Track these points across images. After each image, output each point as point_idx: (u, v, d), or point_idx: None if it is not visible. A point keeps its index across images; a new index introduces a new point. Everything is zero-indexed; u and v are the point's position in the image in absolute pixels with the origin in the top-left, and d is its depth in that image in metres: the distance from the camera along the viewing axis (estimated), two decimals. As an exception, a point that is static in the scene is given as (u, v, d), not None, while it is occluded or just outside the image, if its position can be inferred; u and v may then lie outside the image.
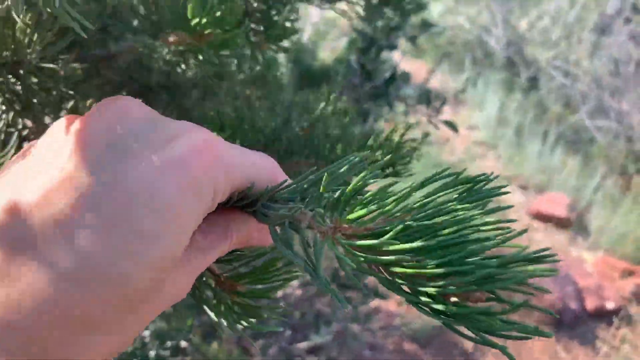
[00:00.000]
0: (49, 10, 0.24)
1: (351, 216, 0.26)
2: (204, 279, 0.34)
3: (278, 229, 0.28)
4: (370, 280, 2.02)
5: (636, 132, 3.89)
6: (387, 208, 0.26)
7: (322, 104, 0.59)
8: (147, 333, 1.48)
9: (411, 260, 0.24)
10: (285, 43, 0.49)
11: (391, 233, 0.24)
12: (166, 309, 0.28)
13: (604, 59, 4.29)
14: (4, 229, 0.22)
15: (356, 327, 2.34)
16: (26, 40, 0.35)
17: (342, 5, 0.77)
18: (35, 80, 0.37)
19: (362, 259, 0.25)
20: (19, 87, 0.38)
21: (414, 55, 4.78)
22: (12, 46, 0.35)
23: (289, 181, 0.30)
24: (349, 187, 0.26)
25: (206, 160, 0.26)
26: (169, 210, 0.24)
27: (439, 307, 0.23)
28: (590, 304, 2.74)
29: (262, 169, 0.30)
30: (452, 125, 1.84)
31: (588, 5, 4.82)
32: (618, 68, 4.14)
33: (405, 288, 0.25)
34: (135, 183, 0.24)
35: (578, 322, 2.69)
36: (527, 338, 0.23)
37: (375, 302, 2.41)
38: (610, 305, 2.75)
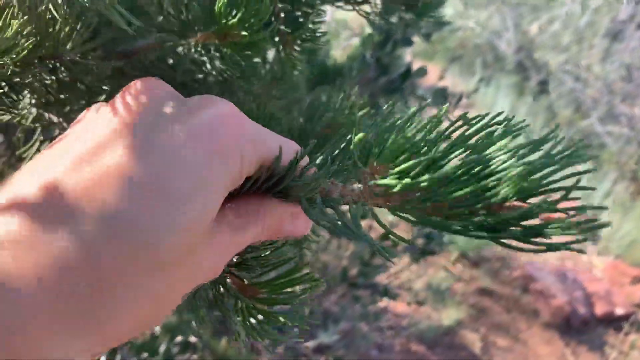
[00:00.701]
0: (97, 8, 0.25)
1: (385, 159, 0.26)
2: (226, 282, 0.33)
3: (311, 209, 0.28)
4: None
5: (647, 138, 3.86)
6: (416, 146, 0.25)
7: (340, 101, 0.59)
8: (157, 328, 1.49)
9: (446, 186, 0.24)
10: (311, 44, 0.50)
11: (428, 157, 0.24)
12: (198, 286, 0.27)
13: (616, 63, 4.27)
14: (37, 201, 0.22)
15: (364, 326, 2.34)
16: (66, 34, 0.36)
17: (363, 7, 0.78)
18: (68, 74, 0.39)
19: (402, 184, 0.24)
20: (48, 81, 0.39)
21: (425, 58, 4.78)
22: (51, 42, 0.36)
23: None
24: (380, 128, 0.26)
25: (233, 127, 0.27)
26: (197, 173, 0.24)
27: (490, 219, 0.23)
28: (600, 309, 2.73)
29: (286, 147, 0.30)
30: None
31: (600, 10, 4.80)
32: (630, 73, 4.12)
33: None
34: (164, 148, 0.24)
35: (587, 327, 2.68)
36: (581, 244, 0.21)
37: (384, 302, 2.41)
38: (619, 311, 2.73)
